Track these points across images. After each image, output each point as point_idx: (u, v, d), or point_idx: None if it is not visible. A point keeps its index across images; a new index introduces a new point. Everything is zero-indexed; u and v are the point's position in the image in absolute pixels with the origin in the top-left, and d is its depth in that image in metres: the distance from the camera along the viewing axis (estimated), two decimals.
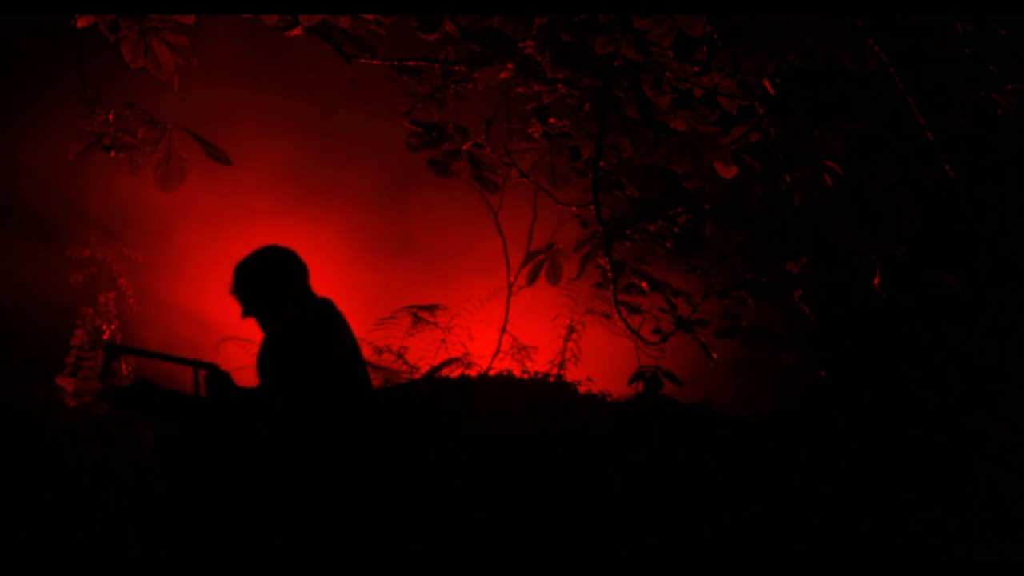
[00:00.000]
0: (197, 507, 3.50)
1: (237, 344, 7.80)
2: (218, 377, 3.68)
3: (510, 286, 8.54)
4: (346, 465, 3.51)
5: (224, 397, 3.62)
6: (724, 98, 4.55)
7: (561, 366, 8.58)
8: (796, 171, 4.73)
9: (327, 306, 3.83)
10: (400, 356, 8.57)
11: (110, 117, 4.56)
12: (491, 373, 8.03)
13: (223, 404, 3.60)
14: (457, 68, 4.70)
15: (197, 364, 3.69)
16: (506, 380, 7.77)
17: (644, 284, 5.08)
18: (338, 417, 3.57)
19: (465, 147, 4.76)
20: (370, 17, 4.50)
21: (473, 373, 8.01)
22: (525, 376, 7.99)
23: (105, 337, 7.65)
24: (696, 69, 4.58)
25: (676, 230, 5.00)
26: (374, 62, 4.65)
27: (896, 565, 3.37)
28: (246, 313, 3.83)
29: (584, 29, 4.29)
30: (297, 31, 4.58)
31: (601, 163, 4.81)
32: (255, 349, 7.70)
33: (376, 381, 7.58)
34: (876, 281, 4.80)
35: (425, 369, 8.33)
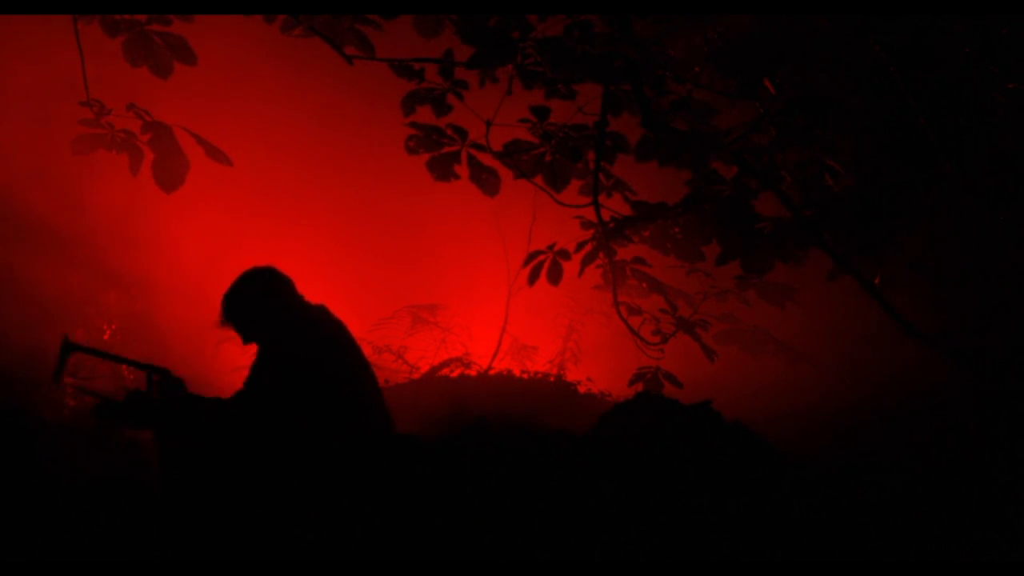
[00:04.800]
0: (197, 507, 3.50)
1: (235, 345, 7.80)
2: (170, 382, 3.68)
3: (510, 286, 8.56)
4: (345, 464, 3.52)
5: (176, 402, 3.62)
6: (724, 97, 4.55)
7: (561, 366, 8.59)
8: (796, 170, 4.73)
9: (320, 314, 3.84)
10: (400, 356, 8.58)
11: (111, 118, 4.56)
12: (491, 372, 8.04)
13: (175, 409, 3.60)
14: (457, 68, 4.69)
15: (151, 369, 3.69)
16: (506, 380, 7.78)
17: (644, 285, 5.07)
18: (328, 423, 3.58)
19: (465, 148, 4.75)
20: (372, 17, 4.50)
21: (473, 372, 8.02)
22: (525, 376, 8.00)
23: (105, 338, 7.65)
24: (697, 69, 4.58)
25: (676, 230, 4.99)
26: (375, 62, 4.65)
27: (899, 566, 3.37)
28: (246, 340, 3.88)
29: (584, 29, 4.29)
30: (299, 31, 4.58)
31: (602, 163, 4.80)
32: (254, 349, 7.72)
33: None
34: (876, 280, 4.80)
35: (425, 369, 8.34)
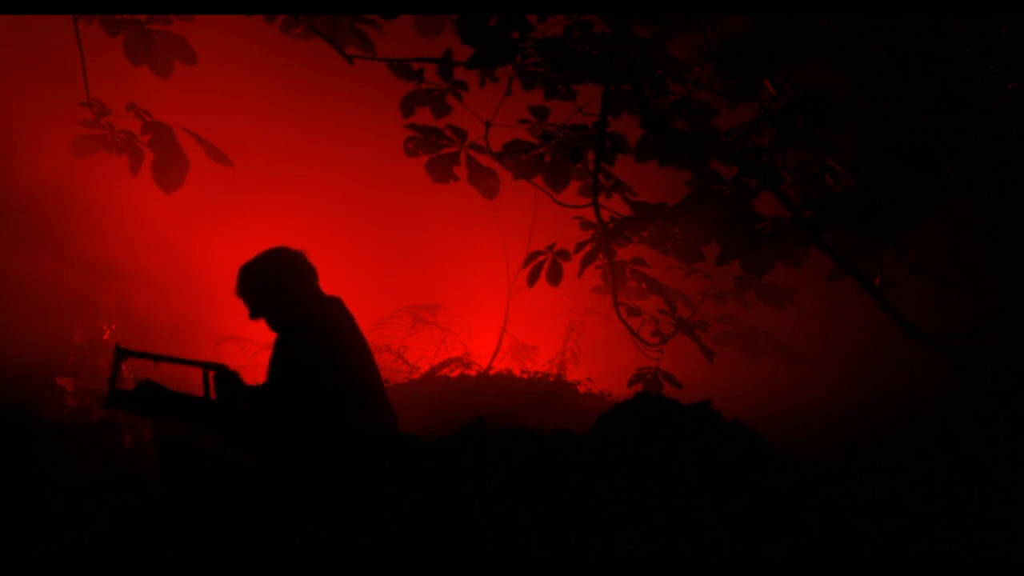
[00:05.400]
0: (197, 507, 3.50)
1: (236, 344, 7.82)
2: (227, 377, 3.68)
3: (510, 286, 8.57)
4: (345, 463, 3.52)
5: (234, 396, 3.64)
6: (724, 97, 4.55)
7: (561, 366, 8.60)
8: (796, 170, 4.73)
9: (335, 306, 3.82)
10: (400, 356, 8.59)
11: (111, 118, 4.57)
12: (491, 372, 8.05)
13: (232, 403, 3.62)
14: (456, 69, 4.69)
15: (207, 365, 3.71)
16: (506, 380, 7.79)
17: (643, 286, 5.07)
18: (340, 416, 3.58)
19: (464, 150, 4.75)
20: (372, 17, 4.50)
21: (473, 372, 8.03)
22: (525, 376, 8.01)
23: (105, 338, 7.65)
24: (697, 69, 4.58)
25: (676, 230, 4.99)
26: (375, 62, 4.65)
27: (899, 566, 3.37)
28: (254, 315, 3.83)
29: (584, 29, 4.29)
30: (299, 30, 4.58)
31: (601, 164, 4.80)
32: (255, 349, 7.74)
33: None
34: (876, 281, 4.79)
35: (425, 369, 8.35)
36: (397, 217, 10.25)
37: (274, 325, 3.79)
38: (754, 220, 4.68)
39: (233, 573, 3.28)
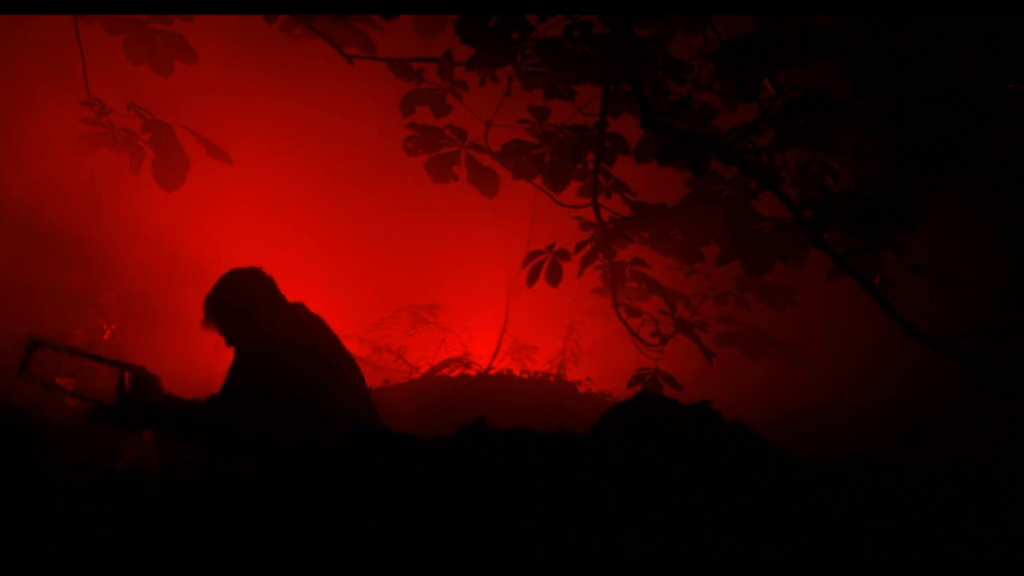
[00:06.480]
0: (197, 507, 3.50)
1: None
2: (145, 379, 3.65)
3: (510, 286, 8.57)
4: (343, 463, 3.51)
5: (151, 400, 3.59)
6: (724, 98, 4.56)
7: (561, 366, 8.60)
8: (796, 171, 4.73)
9: (299, 311, 3.82)
10: (400, 356, 8.59)
11: (112, 116, 4.57)
12: (491, 372, 8.05)
13: (149, 407, 3.57)
14: (456, 68, 4.70)
15: (123, 366, 3.63)
16: (506, 380, 7.79)
17: (643, 286, 5.07)
18: (318, 421, 3.57)
19: (463, 149, 4.76)
20: (371, 17, 4.51)
21: (473, 372, 8.03)
22: (525, 376, 8.01)
23: (105, 338, 7.65)
24: (697, 70, 4.58)
25: (675, 230, 4.99)
26: (377, 62, 4.66)
27: (899, 566, 3.37)
28: (229, 342, 3.86)
29: (584, 29, 4.29)
30: (299, 30, 4.59)
31: (601, 164, 4.80)
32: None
33: (376, 381, 7.59)
34: (876, 281, 4.79)
35: (425, 369, 8.35)
36: (397, 217, 10.25)
37: (244, 345, 3.81)
38: (754, 220, 4.68)
39: (233, 573, 3.28)
